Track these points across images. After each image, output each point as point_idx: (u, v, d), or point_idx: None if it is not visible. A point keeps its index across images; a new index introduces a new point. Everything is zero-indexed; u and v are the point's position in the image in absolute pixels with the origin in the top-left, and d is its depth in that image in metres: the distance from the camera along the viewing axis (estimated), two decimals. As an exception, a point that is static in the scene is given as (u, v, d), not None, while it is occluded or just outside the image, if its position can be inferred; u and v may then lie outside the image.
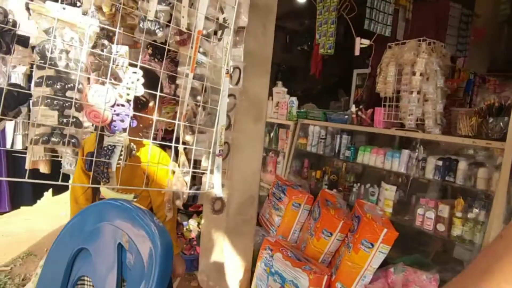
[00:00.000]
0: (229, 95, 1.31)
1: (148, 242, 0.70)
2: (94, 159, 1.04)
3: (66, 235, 0.92)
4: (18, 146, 2.38)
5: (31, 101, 0.99)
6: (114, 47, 1.07)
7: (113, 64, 1.06)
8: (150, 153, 1.37)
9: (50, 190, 2.84)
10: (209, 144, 1.27)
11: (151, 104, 1.41)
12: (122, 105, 1.09)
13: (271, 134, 3.89)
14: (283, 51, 5.89)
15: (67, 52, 0.99)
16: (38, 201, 2.77)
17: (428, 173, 2.37)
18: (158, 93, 1.13)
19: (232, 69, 1.32)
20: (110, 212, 0.86)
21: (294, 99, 3.61)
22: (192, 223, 3.03)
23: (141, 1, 1.10)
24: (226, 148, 1.39)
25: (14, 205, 2.59)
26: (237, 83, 1.37)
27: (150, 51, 1.64)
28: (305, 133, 3.53)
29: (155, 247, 0.68)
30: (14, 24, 0.91)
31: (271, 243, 2.09)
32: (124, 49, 1.08)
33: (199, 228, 2.90)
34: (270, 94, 3.43)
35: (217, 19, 1.24)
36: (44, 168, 2.47)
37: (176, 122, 1.17)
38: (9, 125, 2.35)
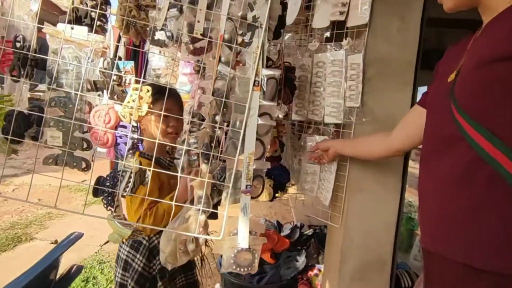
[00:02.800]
0: (262, 114, 1.00)
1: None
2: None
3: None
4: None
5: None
6: (121, 63, 0.98)
7: (118, 81, 0.97)
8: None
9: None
10: (230, 177, 0.99)
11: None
12: (124, 127, 0.98)
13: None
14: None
15: (73, 72, 0.97)
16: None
17: None
18: (163, 113, 0.95)
19: (265, 80, 1.00)
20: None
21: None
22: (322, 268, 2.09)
23: (152, 9, 0.97)
24: (260, 183, 1.06)
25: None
26: (272, 99, 1.03)
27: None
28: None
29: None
30: (29, 49, 0.95)
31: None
32: (130, 64, 0.98)
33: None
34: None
35: (244, 18, 0.97)
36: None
37: (184, 147, 0.96)
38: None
